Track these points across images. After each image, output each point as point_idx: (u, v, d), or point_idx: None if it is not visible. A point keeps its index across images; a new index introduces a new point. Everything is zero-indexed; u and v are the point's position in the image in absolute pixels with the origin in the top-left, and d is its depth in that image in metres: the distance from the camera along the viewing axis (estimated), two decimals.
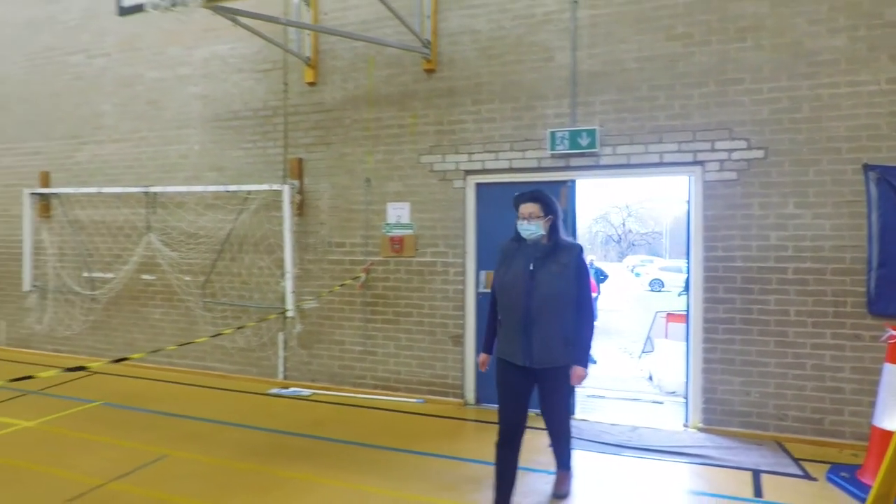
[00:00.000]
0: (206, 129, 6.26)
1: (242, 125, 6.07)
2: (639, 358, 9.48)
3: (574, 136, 4.75)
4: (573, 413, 4.86)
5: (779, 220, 4.31)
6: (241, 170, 6.07)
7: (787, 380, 4.30)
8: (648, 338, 9.50)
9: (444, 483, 3.51)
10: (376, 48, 5.45)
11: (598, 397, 5.87)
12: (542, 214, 2.95)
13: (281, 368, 5.91)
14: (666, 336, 9.38)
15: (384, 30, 5.40)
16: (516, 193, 3.07)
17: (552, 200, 3.00)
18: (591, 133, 4.69)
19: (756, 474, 3.69)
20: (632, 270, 32.00)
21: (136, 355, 4.04)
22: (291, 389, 5.61)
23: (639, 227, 46.07)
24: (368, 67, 5.52)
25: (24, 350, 7.30)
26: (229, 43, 6.12)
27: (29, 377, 3.23)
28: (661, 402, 5.90)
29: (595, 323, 3.04)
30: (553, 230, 2.98)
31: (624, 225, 46.22)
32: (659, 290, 24.37)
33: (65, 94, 7.07)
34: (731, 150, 4.42)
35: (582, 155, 4.79)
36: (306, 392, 5.55)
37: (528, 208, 2.96)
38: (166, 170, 6.45)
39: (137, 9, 4.20)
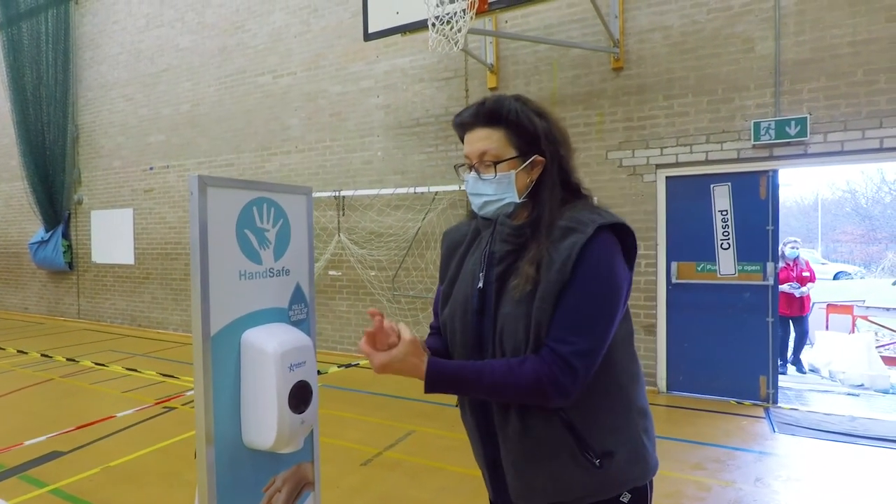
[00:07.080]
0: (389, 136, 6.81)
1: (424, 131, 6.55)
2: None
3: (781, 125, 4.74)
4: None
5: None
6: (424, 172, 6.55)
7: None
8: None
9: (690, 462, 3.72)
10: (560, 51, 5.69)
11: (788, 389, 5.80)
12: (512, 153, 1.26)
13: None
14: (826, 328, 8.98)
15: (569, 33, 5.63)
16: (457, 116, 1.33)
17: (534, 119, 1.26)
18: (800, 121, 4.66)
19: None
20: None
21: None
22: None
23: None
24: (553, 70, 5.79)
25: None
26: (409, 56, 6.61)
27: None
28: (856, 395, 5.74)
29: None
30: (540, 191, 1.28)
31: None
32: None
33: (255, 111, 7.93)
34: None
35: (787, 144, 4.77)
36: None
37: (478, 142, 1.27)
38: (350, 175, 7.08)
39: (382, 34, 4.70)
